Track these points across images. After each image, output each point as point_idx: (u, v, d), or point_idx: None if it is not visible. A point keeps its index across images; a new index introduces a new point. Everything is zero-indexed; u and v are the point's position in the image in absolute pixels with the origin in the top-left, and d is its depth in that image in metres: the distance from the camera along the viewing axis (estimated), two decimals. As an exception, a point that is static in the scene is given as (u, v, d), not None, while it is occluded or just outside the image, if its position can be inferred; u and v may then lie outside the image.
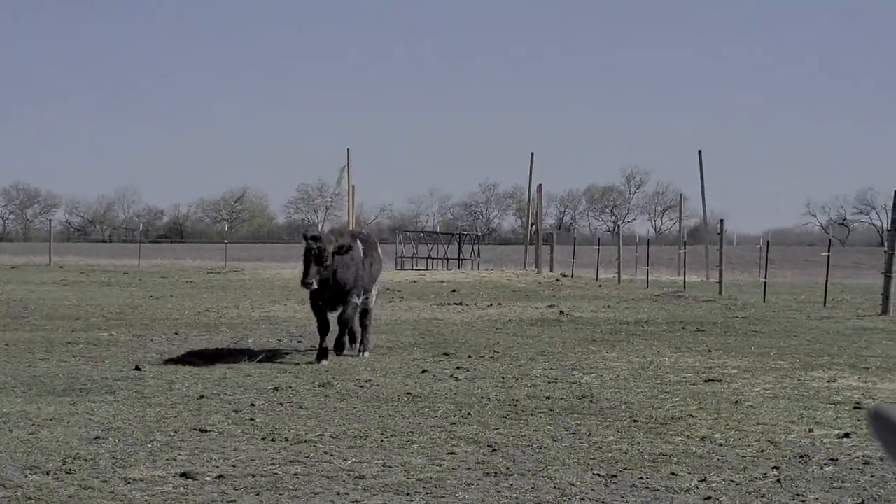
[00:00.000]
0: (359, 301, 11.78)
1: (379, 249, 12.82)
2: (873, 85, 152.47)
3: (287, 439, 6.02)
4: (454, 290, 26.16)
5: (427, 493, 5.03)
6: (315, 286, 10.80)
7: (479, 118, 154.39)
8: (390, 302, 21.69)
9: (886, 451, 1.06)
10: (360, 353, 11.78)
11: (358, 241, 11.90)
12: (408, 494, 5.01)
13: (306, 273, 10.92)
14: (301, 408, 7.87)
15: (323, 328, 11.37)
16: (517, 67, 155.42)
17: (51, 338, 13.44)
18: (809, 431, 7.06)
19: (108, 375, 9.82)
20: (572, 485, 5.26)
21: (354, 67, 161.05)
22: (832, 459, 6.03)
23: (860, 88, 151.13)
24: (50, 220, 74.68)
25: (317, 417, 7.35)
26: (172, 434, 6.81)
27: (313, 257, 10.87)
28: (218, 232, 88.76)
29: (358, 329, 12.04)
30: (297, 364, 11.06)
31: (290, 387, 9.07)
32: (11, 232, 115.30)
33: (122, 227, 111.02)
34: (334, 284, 11.16)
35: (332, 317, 11.56)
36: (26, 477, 5.27)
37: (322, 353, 11.13)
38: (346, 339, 11.72)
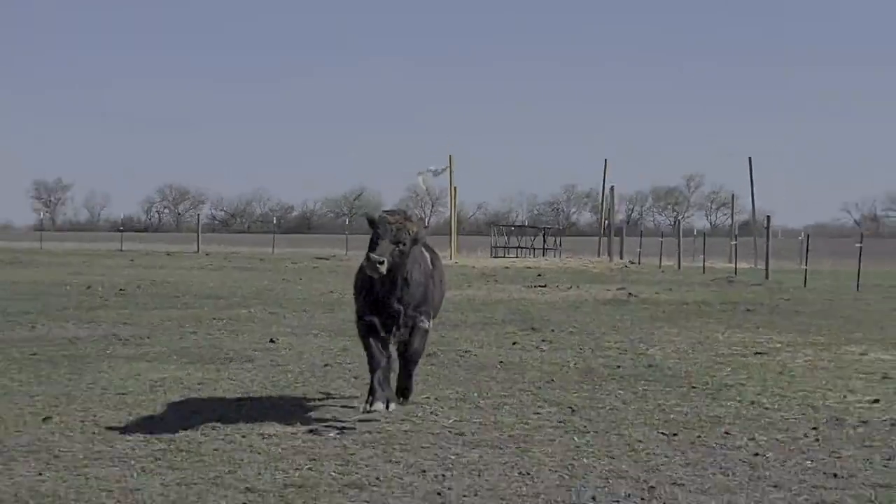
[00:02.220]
0: (429, 328, 6.25)
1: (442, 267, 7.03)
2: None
3: (398, 402, 5.90)
4: (539, 275, 25.90)
5: (517, 448, 5.02)
6: (384, 270, 5.51)
7: (561, 128, 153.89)
8: (486, 284, 21.80)
9: None
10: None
11: (424, 250, 6.36)
12: (500, 448, 4.99)
13: (374, 246, 5.57)
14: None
15: (377, 358, 5.84)
16: (596, 84, 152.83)
17: (199, 315, 13.46)
18: (843, 398, 6.83)
19: (248, 346, 9.79)
20: (639, 441, 5.18)
21: (461, 77, 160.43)
22: (863, 422, 5.81)
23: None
24: (198, 214, 75.15)
25: (424, 383, 7.19)
26: (301, 397, 6.84)
27: (389, 232, 5.66)
28: (340, 225, 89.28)
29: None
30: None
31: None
32: (165, 224, 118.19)
33: (258, 220, 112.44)
34: (402, 295, 5.88)
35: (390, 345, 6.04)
36: (178, 433, 5.25)
37: (375, 393, 5.65)
38: (413, 381, 6.31)
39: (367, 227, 5.74)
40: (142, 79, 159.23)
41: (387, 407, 5.57)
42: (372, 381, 5.66)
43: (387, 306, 5.76)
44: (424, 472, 4.41)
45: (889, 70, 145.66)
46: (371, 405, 5.51)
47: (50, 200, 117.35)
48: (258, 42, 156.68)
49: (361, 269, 5.87)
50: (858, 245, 22.89)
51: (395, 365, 6.03)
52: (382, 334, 5.80)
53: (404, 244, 5.60)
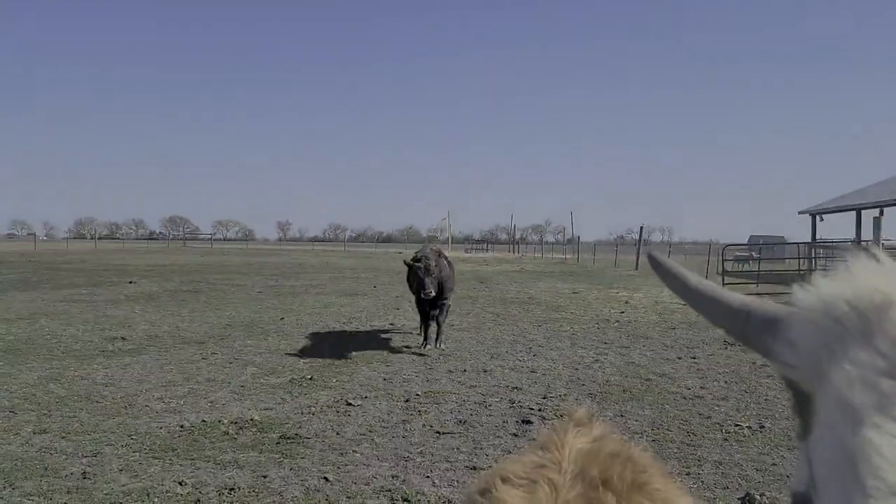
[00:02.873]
0: (450, 304, 10.97)
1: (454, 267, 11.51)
2: None
3: (436, 344, 14.20)
4: (485, 260, 34.88)
5: (475, 331, 13.29)
6: (434, 293, 9.99)
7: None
8: (461, 264, 30.09)
9: (665, 284, 0.92)
10: (438, 345, 10.38)
11: (442, 256, 10.62)
12: (468, 331, 13.37)
13: (424, 285, 9.95)
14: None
15: (426, 325, 10.50)
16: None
17: (344, 276, 21.61)
18: (608, 311, 15.65)
19: (362, 290, 17.84)
20: (525, 329, 13.59)
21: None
22: (617, 321, 14.58)
23: None
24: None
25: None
26: (380, 327, 14.90)
27: (425, 271, 9.99)
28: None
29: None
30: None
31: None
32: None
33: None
34: (438, 291, 10.19)
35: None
36: (336, 325, 13.26)
37: (426, 342, 10.33)
38: (443, 332, 10.69)
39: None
40: None
41: (428, 345, 10.23)
42: (424, 333, 10.49)
43: (428, 297, 10.09)
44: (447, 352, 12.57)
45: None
46: (423, 346, 10.18)
47: None
48: None
49: (409, 272, 10.59)
50: (635, 247, 33.38)
51: (433, 326, 10.53)
52: (427, 310, 10.40)
53: (434, 272, 10.03)
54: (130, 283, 20.60)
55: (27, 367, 8.47)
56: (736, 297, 0.80)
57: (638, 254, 35.55)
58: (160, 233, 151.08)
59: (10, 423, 6.22)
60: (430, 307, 10.43)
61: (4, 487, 4.75)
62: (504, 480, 1.54)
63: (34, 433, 5.93)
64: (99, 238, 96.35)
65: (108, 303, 15.44)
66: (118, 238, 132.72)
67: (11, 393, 7.24)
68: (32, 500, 4.56)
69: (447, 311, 10.88)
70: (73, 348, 9.83)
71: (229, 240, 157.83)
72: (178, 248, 65.63)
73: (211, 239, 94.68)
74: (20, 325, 11.97)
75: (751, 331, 0.73)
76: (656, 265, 0.93)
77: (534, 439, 6.17)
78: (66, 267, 29.29)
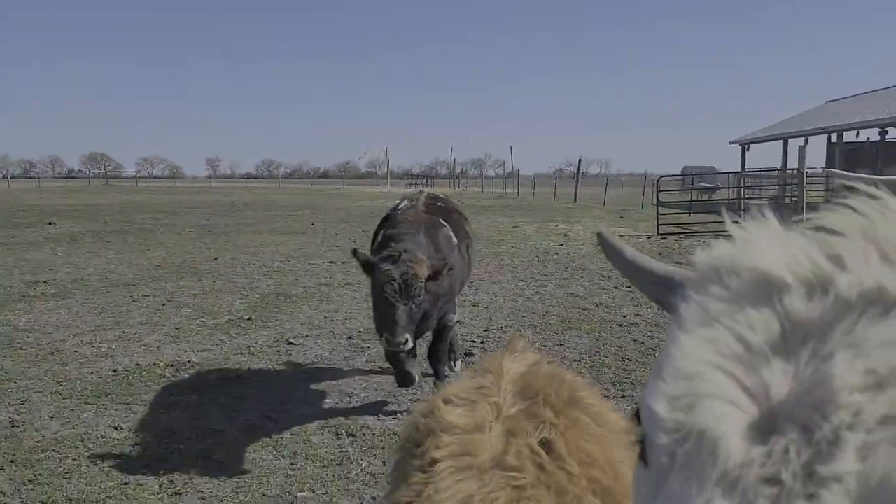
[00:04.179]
0: (456, 315, 5.58)
1: (464, 215, 6.15)
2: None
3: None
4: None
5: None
6: (411, 344, 4.54)
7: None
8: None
9: (608, 258, 0.96)
10: (454, 364, 5.85)
11: (442, 219, 5.39)
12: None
13: (392, 328, 4.37)
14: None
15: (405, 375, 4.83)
16: None
17: (281, 214, 21.06)
18: (548, 244, 15.94)
19: (301, 228, 17.64)
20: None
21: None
22: (556, 254, 14.86)
23: None
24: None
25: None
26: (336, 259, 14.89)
27: (399, 293, 4.42)
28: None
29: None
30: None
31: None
32: None
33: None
34: (427, 310, 4.79)
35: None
36: (274, 253, 13.21)
37: (404, 377, 4.81)
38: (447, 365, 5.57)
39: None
40: None
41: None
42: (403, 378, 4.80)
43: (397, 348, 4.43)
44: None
45: None
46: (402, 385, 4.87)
47: None
48: None
49: (371, 280, 4.58)
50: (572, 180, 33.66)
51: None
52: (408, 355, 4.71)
53: (420, 296, 4.38)
54: (50, 224, 19.76)
55: (-57, 316, 8.12)
56: (662, 266, 0.88)
57: (576, 187, 36.02)
58: (79, 171, 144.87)
59: (-72, 373, 6.00)
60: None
61: (-73, 439, 4.61)
62: (447, 402, 1.59)
63: (-45, 383, 5.74)
64: (11, 178, 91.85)
65: (26, 245, 14.82)
66: (32, 177, 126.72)
67: (-73, 342, 6.95)
68: (-42, 451, 4.44)
69: (451, 333, 5.58)
70: (-8, 294, 9.45)
71: (155, 177, 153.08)
72: (100, 186, 63.17)
73: (136, 177, 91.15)
74: (-68, 271, 11.41)
75: (669, 297, 0.80)
76: (602, 242, 1.03)
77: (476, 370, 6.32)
78: (-21, 209, 27.91)
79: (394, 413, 5.18)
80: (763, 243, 0.67)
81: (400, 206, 5.58)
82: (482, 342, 7.00)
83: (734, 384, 0.59)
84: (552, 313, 8.28)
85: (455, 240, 5.33)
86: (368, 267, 4.59)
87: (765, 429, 0.56)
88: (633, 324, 7.67)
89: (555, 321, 7.84)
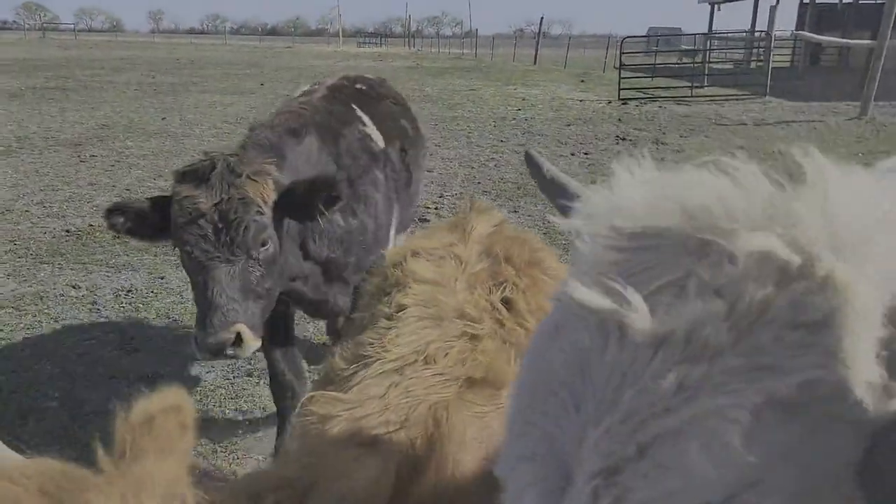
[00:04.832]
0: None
1: (405, 105, 4.10)
2: None
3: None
4: (379, 56, 32.82)
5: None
6: (256, 344, 2.43)
7: None
8: (360, 60, 28.41)
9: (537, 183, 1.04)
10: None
11: (359, 110, 3.36)
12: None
13: (205, 313, 2.31)
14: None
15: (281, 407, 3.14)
16: None
17: (229, 72, 20.02)
18: (506, 109, 15.80)
19: (250, 89, 16.93)
20: (427, 119, 13.60)
21: None
22: (513, 119, 14.76)
23: None
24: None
25: None
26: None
27: (215, 242, 2.34)
28: None
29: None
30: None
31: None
32: None
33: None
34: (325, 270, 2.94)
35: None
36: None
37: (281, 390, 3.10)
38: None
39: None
40: None
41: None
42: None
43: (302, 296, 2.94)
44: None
45: None
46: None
47: None
48: None
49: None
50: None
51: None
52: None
53: (263, 243, 2.44)
54: (-16, 79, 18.75)
55: None
56: (574, 184, 1.07)
57: (537, 48, 35.21)
58: (13, 22, 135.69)
59: None
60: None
61: None
62: (415, 254, 1.68)
63: None
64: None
65: (-39, 102, 14.13)
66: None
67: None
68: (-85, 309, 4.48)
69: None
70: (-70, 153, 9.11)
71: (94, 30, 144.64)
72: (35, 39, 59.39)
73: (74, 30, 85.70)
74: None
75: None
76: (528, 159, 1.19)
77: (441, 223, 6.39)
78: None
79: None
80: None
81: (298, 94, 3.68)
82: (436, 208, 7.11)
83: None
84: (508, 179, 8.38)
85: (380, 143, 3.23)
86: (157, 204, 2.46)
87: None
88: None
89: (510, 188, 7.96)
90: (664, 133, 11.80)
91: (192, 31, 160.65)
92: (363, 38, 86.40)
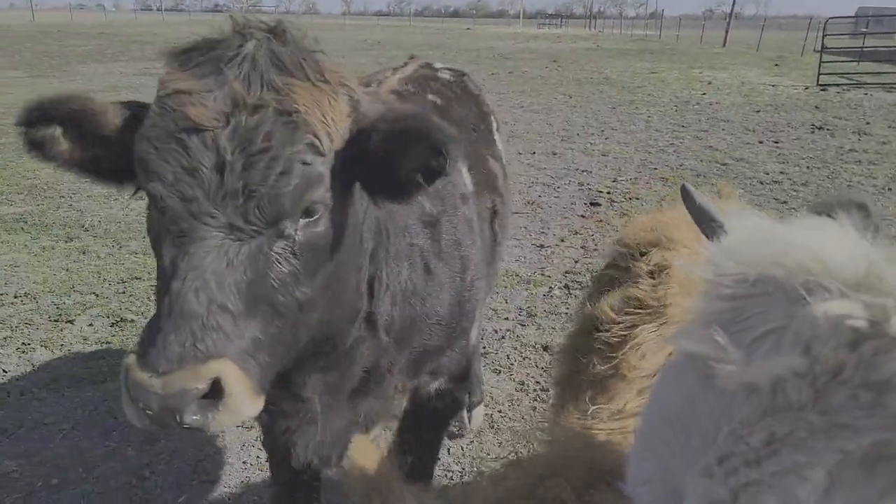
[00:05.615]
0: (476, 332, 2.23)
1: (490, 120, 2.81)
2: None
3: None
4: (558, 37, 33.08)
5: (553, 69, 13.00)
6: (256, 408, 1.32)
7: None
8: (536, 41, 28.67)
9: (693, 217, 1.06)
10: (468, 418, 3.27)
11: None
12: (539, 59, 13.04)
13: (157, 333, 1.21)
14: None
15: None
16: None
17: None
18: (689, 93, 15.04)
19: None
20: (596, 109, 13.21)
21: None
22: (697, 103, 14.03)
23: None
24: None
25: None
26: None
27: (210, 190, 1.27)
28: None
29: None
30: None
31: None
32: None
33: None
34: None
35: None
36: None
37: None
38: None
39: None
40: None
41: None
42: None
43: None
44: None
45: None
46: None
47: None
48: None
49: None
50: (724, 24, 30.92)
51: None
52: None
53: (308, 213, 1.38)
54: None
55: None
56: (720, 213, 1.08)
57: (727, 29, 33.18)
58: (224, 5, 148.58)
59: None
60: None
61: None
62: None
63: None
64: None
65: None
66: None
67: None
68: None
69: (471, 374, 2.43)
70: None
71: (291, 12, 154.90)
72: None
73: (275, 11, 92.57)
74: None
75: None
76: (683, 193, 1.17)
77: (601, 220, 6.21)
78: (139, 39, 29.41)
79: (517, 257, 5.33)
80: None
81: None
82: (609, 192, 6.92)
83: None
84: (686, 167, 7.98)
85: (468, 186, 2.18)
86: (131, 115, 1.42)
87: None
88: (775, 181, 7.28)
89: (688, 175, 7.58)
90: (868, 123, 10.68)
91: (379, 14, 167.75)
92: (543, 20, 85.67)
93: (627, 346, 1.46)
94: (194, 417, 1.18)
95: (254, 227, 1.28)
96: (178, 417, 1.17)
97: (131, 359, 1.20)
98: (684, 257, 1.60)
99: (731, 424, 0.71)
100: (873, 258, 0.72)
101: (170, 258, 1.27)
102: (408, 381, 1.92)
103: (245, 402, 1.24)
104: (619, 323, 1.52)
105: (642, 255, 1.72)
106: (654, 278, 1.60)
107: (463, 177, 2.11)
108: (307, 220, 1.35)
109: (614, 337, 1.49)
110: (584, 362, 1.55)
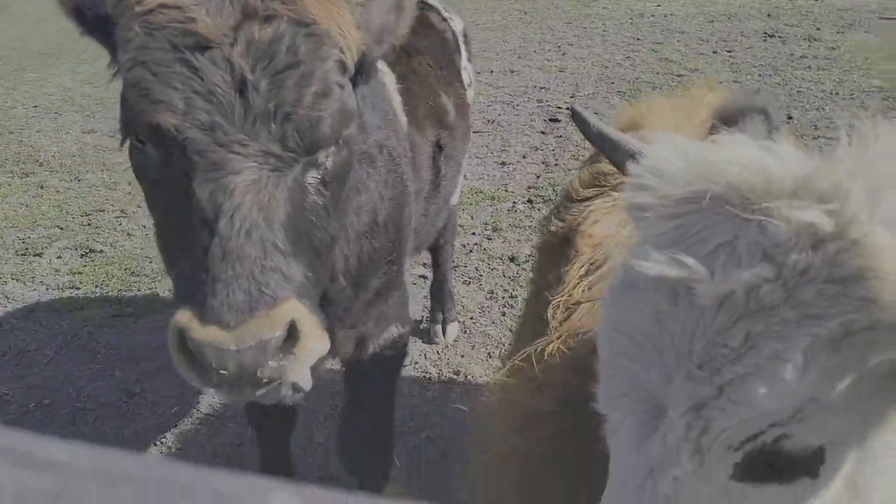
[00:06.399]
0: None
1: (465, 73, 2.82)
2: None
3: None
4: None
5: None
6: (322, 349, 1.28)
7: None
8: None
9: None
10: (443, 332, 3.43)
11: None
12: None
13: (214, 285, 1.12)
14: None
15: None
16: None
17: None
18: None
19: None
20: (636, 43, 13.11)
21: None
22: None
23: None
24: None
25: None
26: None
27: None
28: None
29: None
30: None
31: None
32: None
33: None
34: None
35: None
36: None
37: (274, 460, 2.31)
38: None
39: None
40: None
41: None
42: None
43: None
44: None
45: None
46: None
47: None
48: None
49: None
50: None
51: None
52: None
53: (338, 141, 1.31)
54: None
55: None
56: (623, 138, 1.15)
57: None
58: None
59: None
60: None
61: None
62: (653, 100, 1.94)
63: None
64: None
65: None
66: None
67: None
68: None
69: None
70: None
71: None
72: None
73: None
74: None
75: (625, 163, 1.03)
76: (575, 117, 1.22)
77: (560, 136, 6.31)
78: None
79: (480, 175, 5.44)
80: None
81: None
82: (568, 108, 7.01)
83: None
84: (643, 80, 8.10)
85: (402, 123, 2.08)
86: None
87: None
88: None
89: (645, 88, 7.70)
90: (818, 29, 10.86)
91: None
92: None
93: (587, 215, 1.59)
94: (274, 367, 1.09)
95: (292, 155, 1.16)
96: (259, 373, 1.07)
97: (185, 316, 1.08)
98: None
99: (706, 335, 0.78)
100: (802, 167, 0.80)
101: (206, 197, 1.12)
102: (353, 331, 1.89)
103: (318, 341, 1.19)
104: (587, 199, 1.65)
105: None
106: None
107: (396, 110, 1.99)
108: (335, 147, 1.25)
109: (579, 212, 1.62)
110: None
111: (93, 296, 3.79)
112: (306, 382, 1.20)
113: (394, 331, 2.02)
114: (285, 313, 1.10)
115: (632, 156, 1.04)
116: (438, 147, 2.30)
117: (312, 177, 1.23)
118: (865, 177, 0.76)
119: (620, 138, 1.14)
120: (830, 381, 0.76)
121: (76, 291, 3.88)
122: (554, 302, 1.42)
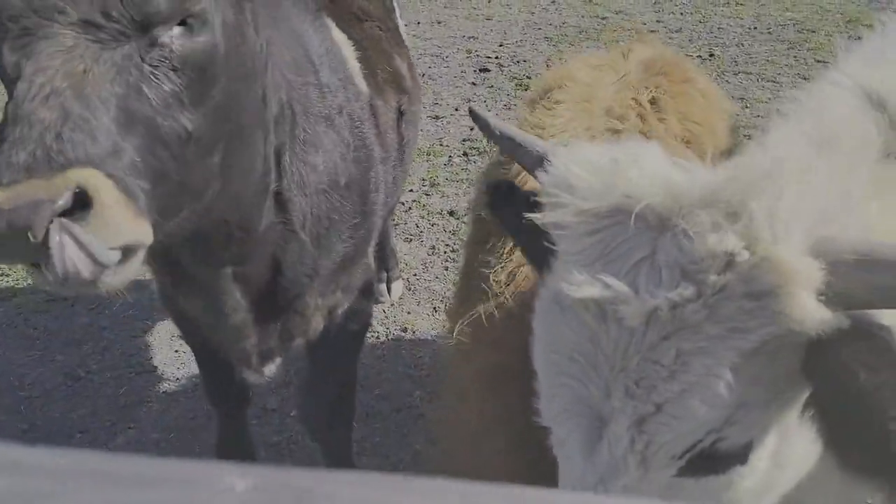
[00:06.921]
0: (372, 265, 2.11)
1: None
2: None
3: None
4: None
5: None
6: (133, 232, 1.10)
7: None
8: None
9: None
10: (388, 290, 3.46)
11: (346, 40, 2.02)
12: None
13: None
14: None
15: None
16: None
17: None
18: None
19: None
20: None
21: None
22: None
23: None
24: None
25: None
26: None
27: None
28: None
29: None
30: None
31: None
32: None
33: None
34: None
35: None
36: None
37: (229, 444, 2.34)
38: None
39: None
40: None
41: None
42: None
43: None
44: None
45: None
46: None
47: None
48: None
49: None
50: None
51: None
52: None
53: (188, 17, 1.20)
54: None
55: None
56: (531, 141, 1.17)
57: None
58: None
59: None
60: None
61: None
62: (579, 62, 1.91)
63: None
64: None
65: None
66: None
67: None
68: None
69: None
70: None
71: None
72: None
73: None
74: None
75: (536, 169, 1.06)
76: (474, 118, 1.25)
77: (492, 87, 6.33)
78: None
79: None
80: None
81: None
82: (497, 57, 7.02)
83: None
84: (569, 24, 8.12)
85: (362, 88, 2.03)
86: None
87: None
88: (652, 30, 7.54)
89: (571, 32, 7.74)
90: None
91: None
92: None
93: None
94: (57, 238, 0.96)
95: (117, 27, 1.09)
96: (31, 236, 0.94)
97: None
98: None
99: (639, 351, 0.83)
100: (710, 179, 0.85)
101: (12, 63, 1.06)
102: (323, 300, 1.86)
103: (123, 217, 1.04)
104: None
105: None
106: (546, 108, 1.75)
107: (354, 77, 1.96)
108: (182, 28, 1.17)
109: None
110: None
111: (24, 282, 3.69)
112: (106, 257, 1.02)
113: (360, 303, 2.03)
114: (70, 178, 0.99)
115: (538, 160, 1.05)
116: (400, 113, 2.26)
117: (153, 58, 1.14)
118: (767, 192, 0.81)
119: (524, 140, 1.16)
120: (756, 384, 0.83)
121: (6, 279, 3.77)
122: (494, 270, 1.47)
